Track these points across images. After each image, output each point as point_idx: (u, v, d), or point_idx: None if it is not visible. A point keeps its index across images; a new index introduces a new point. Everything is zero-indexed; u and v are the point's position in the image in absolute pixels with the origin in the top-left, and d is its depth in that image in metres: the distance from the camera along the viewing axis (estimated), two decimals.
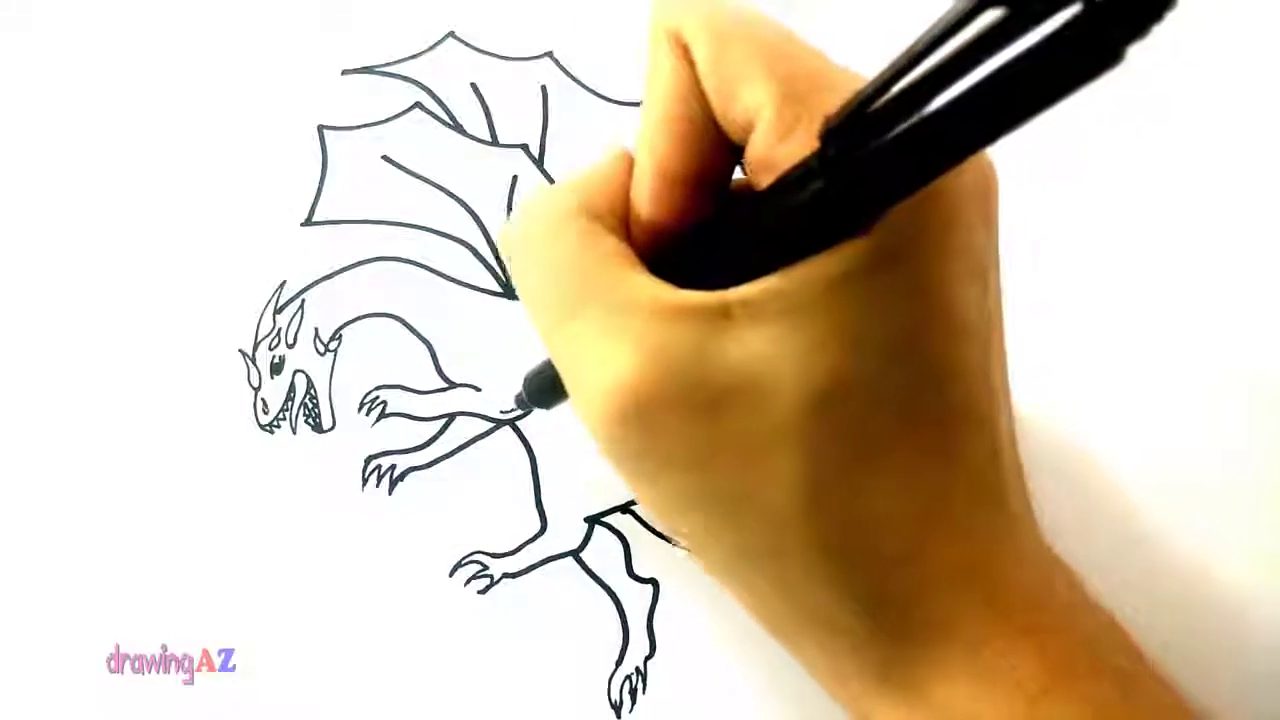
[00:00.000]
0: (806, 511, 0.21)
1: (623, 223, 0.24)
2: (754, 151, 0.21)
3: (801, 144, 0.20)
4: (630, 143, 0.24)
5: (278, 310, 0.36)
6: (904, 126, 0.16)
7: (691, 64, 0.22)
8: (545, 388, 0.30)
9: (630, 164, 0.24)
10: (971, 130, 0.16)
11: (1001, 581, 0.22)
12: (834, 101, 0.19)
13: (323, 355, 0.35)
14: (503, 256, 0.24)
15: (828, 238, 0.19)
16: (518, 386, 0.32)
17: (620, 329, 0.21)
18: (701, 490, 0.21)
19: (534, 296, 0.23)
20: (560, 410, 0.32)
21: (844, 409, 0.20)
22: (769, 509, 0.21)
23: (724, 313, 0.20)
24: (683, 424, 0.21)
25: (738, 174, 0.24)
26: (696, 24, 0.22)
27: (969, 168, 0.21)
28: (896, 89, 0.16)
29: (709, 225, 0.24)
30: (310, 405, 0.35)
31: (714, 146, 0.23)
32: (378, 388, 0.35)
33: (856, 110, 0.17)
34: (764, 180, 0.21)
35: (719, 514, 0.22)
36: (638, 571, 0.33)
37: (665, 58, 0.22)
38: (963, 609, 0.22)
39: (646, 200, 0.23)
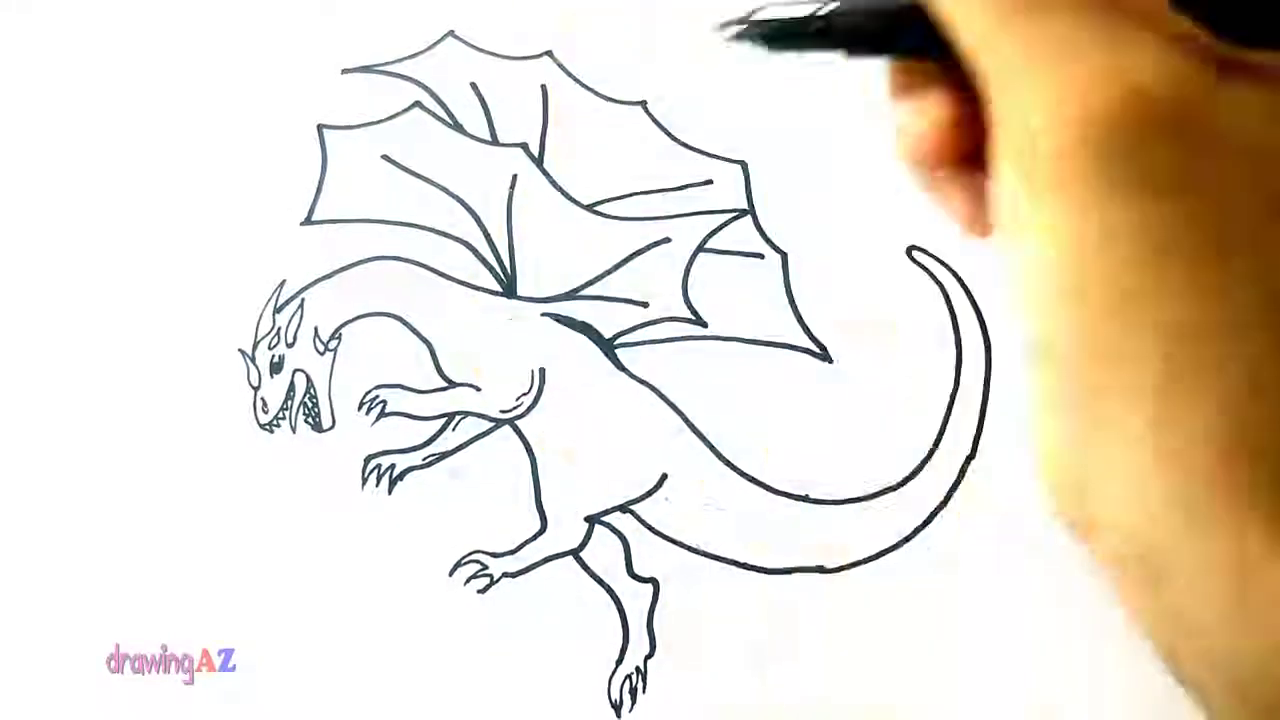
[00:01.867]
0: None
1: None
2: None
3: None
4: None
5: (277, 309, 0.36)
6: None
7: None
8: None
9: None
10: None
11: None
12: None
13: (322, 355, 0.35)
14: None
15: None
16: (518, 386, 0.32)
17: (1129, 36, 0.19)
18: (1175, 224, 0.18)
19: None
20: (561, 406, 0.32)
21: None
22: (1241, 287, 0.18)
23: (1222, 63, 0.18)
24: (1178, 155, 0.18)
25: None
26: None
27: None
28: None
29: None
30: (310, 404, 0.35)
31: None
32: (377, 387, 0.35)
33: None
34: None
35: (1181, 264, 0.18)
36: (638, 571, 0.33)
37: None
38: None
39: None
